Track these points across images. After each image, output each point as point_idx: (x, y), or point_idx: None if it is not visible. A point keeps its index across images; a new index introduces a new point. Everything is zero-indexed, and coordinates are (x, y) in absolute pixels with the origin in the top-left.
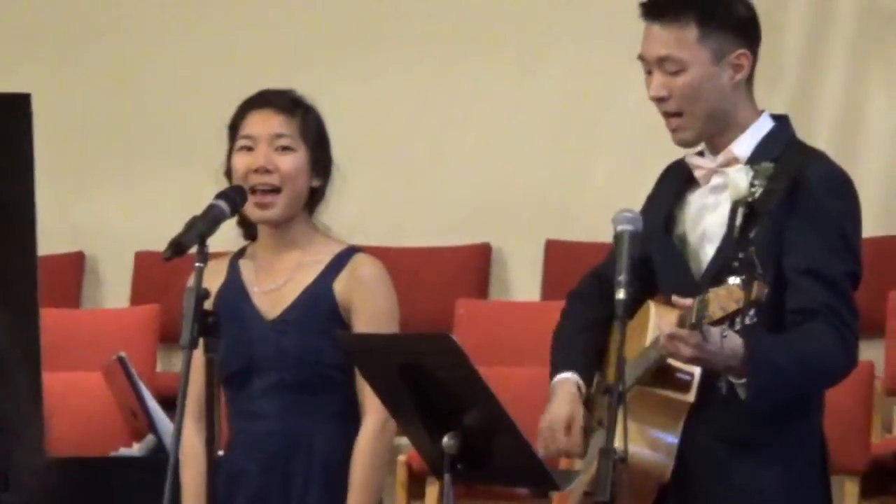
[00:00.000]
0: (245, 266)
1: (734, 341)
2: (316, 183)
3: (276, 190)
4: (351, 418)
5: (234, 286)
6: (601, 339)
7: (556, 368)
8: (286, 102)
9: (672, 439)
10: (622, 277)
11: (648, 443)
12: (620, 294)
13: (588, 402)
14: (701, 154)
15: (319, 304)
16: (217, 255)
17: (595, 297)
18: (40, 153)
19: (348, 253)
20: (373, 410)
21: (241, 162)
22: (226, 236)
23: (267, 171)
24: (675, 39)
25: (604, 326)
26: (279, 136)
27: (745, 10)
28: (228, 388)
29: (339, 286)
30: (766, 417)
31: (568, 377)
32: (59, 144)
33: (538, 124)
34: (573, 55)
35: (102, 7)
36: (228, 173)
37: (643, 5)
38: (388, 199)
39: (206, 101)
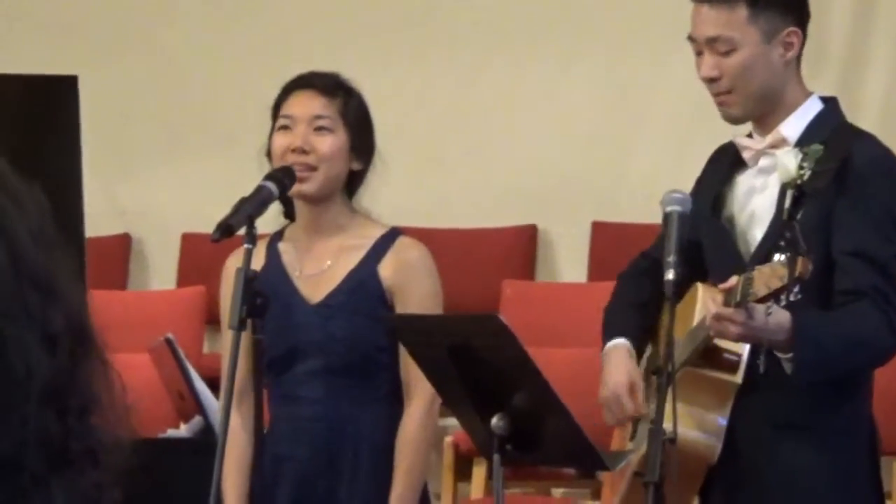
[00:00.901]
0: (285, 249)
1: (781, 316)
2: (356, 166)
3: (312, 168)
4: (397, 402)
5: (276, 270)
6: (651, 319)
7: (608, 336)
8: (328, 84)
9: (721, 421)
10: (671, 258)
11: (697, 424)
12: (670, 275)
13: None
14: (749, 136)
15: (365, 288)
16: (261, 239)
17: (646, 277)
18: (87, 137)
19: (392, 235)
20: (418, 394)
21: (279, 141)
22: (263, 218)
23: (304, 152)
24: (725, 19)
25: (653, 307)
26: (318, 117)
27: None
28: (271, 373)
29: (385, 270)
30: (814, 400)
31: (620, 342)
32: (106, 128)
33: (582, 107)
34: (616, 39)
35: None
36: (269, 153)
37: None
38: (434, 181)
39: (250, 84)
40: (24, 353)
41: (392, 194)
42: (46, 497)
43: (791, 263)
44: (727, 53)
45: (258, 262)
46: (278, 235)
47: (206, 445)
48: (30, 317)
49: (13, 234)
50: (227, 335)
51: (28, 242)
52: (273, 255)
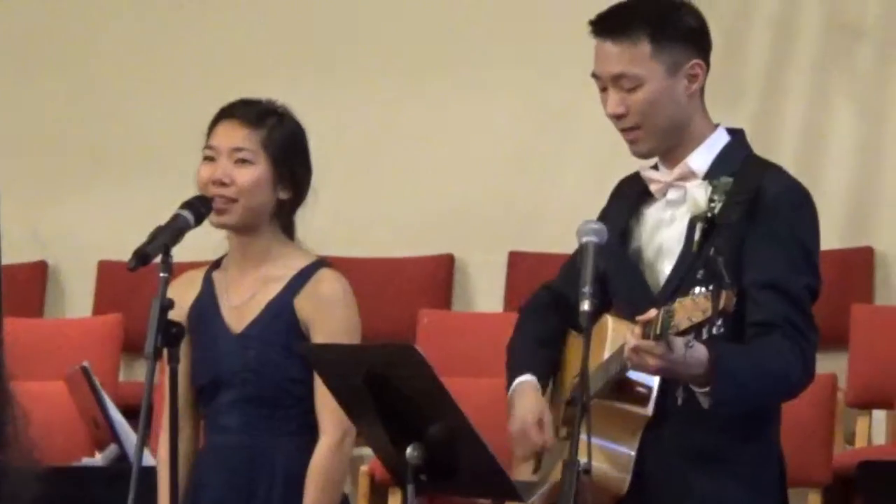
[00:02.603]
0: (218, 279)
1: (699, 351)
2: (284, 195)
3: (232, 201)
4: (312, 433)
5: (208, 299)
6: (555, 353)
7: (513, 373)
8: (252, 114)
9: (629, 452)
10: (587, 289)
11: (606, 456)
12: (585, 305)
13: None
14: (655, 168)
15: (281, 319)
16: (195, 266)
17: (548, 310)
18: (3, 161)
19: (311, 268)
20: (329, 428)
21: (203, 172)
22: (202, 245)
23: (223, 184)
24: (629, 56)
25: (557, 340)
26: (238, 149)
27: (695, 20)
28: (201, 401)
29: (300, 302)
30: (726, 432)
31: (527, 379)
32: (22, 155)
33: (500, 138)
34: (534, 72)
35: (65, 18)
36: None
37: (593, 23)
38: (354, 210)
39: (170, 111)
40: None
41: (316, 222)
42: None
43: (715, 297)
44: (632, 90)
45: (194, 292)
46: (216, 264)
47: (121, 473)
48: None
49: None
50: (147, 365)
51: None
52: (208, 283)
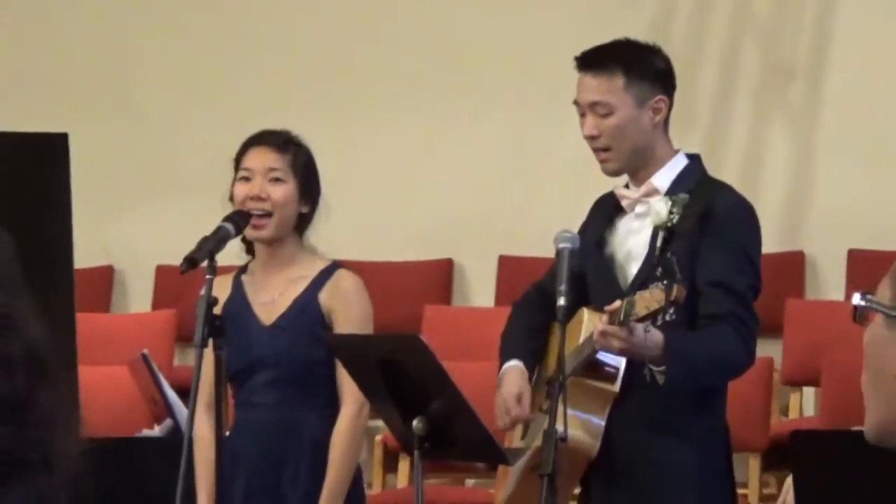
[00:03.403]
0: (246, 281)
1: (656, 335)
2: (304, 209)
3: (268, 214)
4: (334, 406)
5: (238, 299)
6: (540, 342)
7: (504, 359)
8: (280, 141)
9: (600, 423)
10: (563, 287)
11: (580, 425)
12: (561, 301)
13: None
14: (626, 186)
15: (307, 313)
16: (224, 271)
17: (535, 307)
18: (76, 184)
19: (331, 269)
20: (349, 400)
21: (240, 190)
22: (230, 251)
23: (261, 199)
24: (605, 87)
25: (542, 331)
26: (272, 169)
27: (663, 62)
28: (234, 383)
29: (324, 297)
30: (682, 406)
31: (514, 364)
32: (90, 178)
33: (490, 161)
34: (518, 105)
35: (121, 61)
36: (232, 199)
37: (578, 58)
38: (367, 221)
39: (211, 140)
40: None
41: (332, 232)
42: (4, 499)
43: (668, 289)
44: (605, 116)
45: (226, 293)
46: (243, 269)
47: (175, 444)
48: None
49: None
50: (195, 352)
51: None
52: (237, 285)
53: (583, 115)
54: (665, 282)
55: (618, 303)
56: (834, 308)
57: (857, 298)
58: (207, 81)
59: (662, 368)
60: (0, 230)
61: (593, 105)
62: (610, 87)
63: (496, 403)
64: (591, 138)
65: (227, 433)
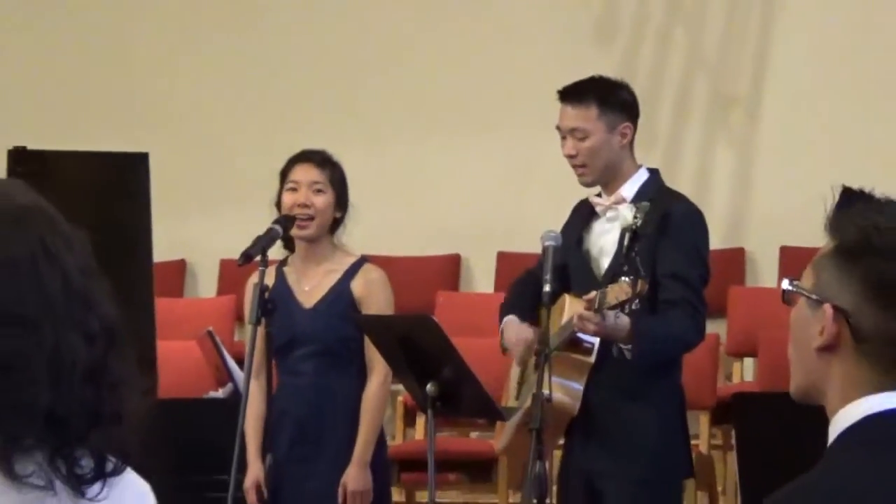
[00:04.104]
0: (288, 272)
1: (624, 320)
2: (338, 214)
3: (311, 218)
4: (362, 374)
5: (282, 286)
6: (529, 313)
7: (503, 314)
8: (320, 159)
9: (579, 388)
10: (548, 276)
11: (563, 390)
12: (546, 288)
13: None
14: (599, 195)
15: (341, 298)
16: (269, 263)
17: (528, 287)
18: (156, 191)
19: (360, 262)
20: (377, 369)
21: (288, 198)
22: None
23: (306, 206)
24: (581, 116)
25: (531, 301)
26: (315, 182)
27: (629, 95)
28: (279, 355)
29: (355, 286)
30: (643, 374)
31: (510, 317)
32: (169, 186)
33: (489, 174)
34: (513, 126)
35: (195, 92)
36: (279, 205)
37: (560, 92)
38: (390, 223)
39: (260, 159)
40: (71, 347)
41: (361, 232)
42: (87, 446)
43: (634, 284)
44: (582, 139)
45: (270, 280)
46: (283, 262)
47: (234, 403)
48: (75, 323)
49: (65, 268)
50: (249, 328)
51: (75, 273)
52: (280, 275)
53: (563, 137)
54: (632, 277)
55: (593, 293)
56: (768, 294)
57: (785, 284)
58: (259, 111)
59: (629, 347)
60: (77, 231)
61: (572, 130)
62: (586, 116)
63: (507, 344)
64: (570, 157)
65: (274, 394)
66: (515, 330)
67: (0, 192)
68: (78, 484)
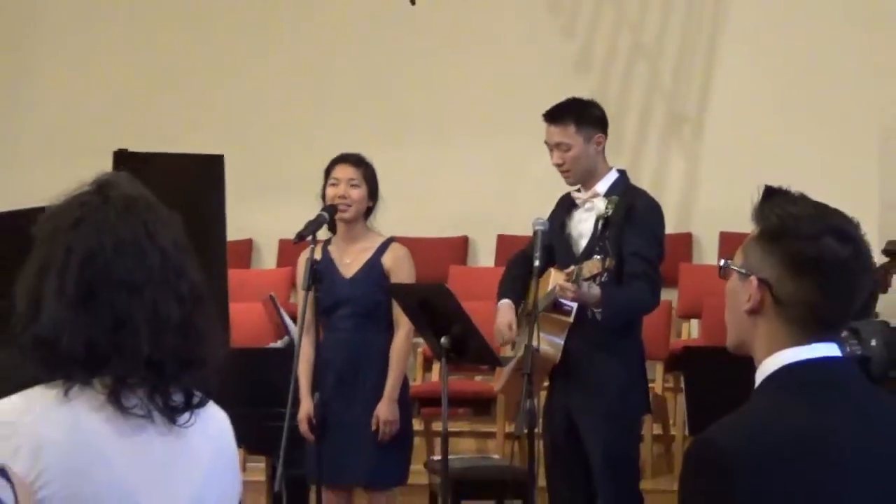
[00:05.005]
0: (331, 249)
1: (595, 290)
2: (370, 204)
3: (348, 206)
4: (390, 331)
5: (327, 260)
6: (523, 285)
7: (500, 297)
8: (356, 160)
9: (560, 341)
10: (537, 254)
11: (547, 343)
12: (536, 263)
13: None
14: (578, 190)
15: (374, 270)
16: (318, 242)
17: (519, 265)
18: (229, 184)
19: (388, 242)
20: (402, 327)
21: (330, 192)
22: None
23: (344, 198)
24: (563, 133)
25: (523, 280)
26: (352, 178)
27: (599, 111)
28: (324, 315)
29: (385, 260)
30: (612, 332)
31: (505, 301)
32: (239, 179)
33: (492, 170)
34: (510, 131)
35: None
36: (324, 197)
37: (545, 114)
38: (412, 211)
39: (312, 155)
40: (166, 307)
41: (389, 218)
42: (179, 384)
43: (603, 261)
44: (566, 151)
45: (318, 255)
46: (328, 241)
47: (290, 352)
48: (170, 288)
49: (163, 245)
50: (301, 293)
51: (171, 249)
52: (325, 251)
53: (551, 149)
54: (602, 256)
55: (572, 267)
56: (710, 270)
57: (722, 262)
58: (309, 118)
59: (600, 310)
60: (173, 214)
61: (557, 144)
62: (566, 133)
63: (495, 329)
64: (557, 165)
65: (320, 345)
66: (503, 315)
67: (111, 185)
68: (171, 414)
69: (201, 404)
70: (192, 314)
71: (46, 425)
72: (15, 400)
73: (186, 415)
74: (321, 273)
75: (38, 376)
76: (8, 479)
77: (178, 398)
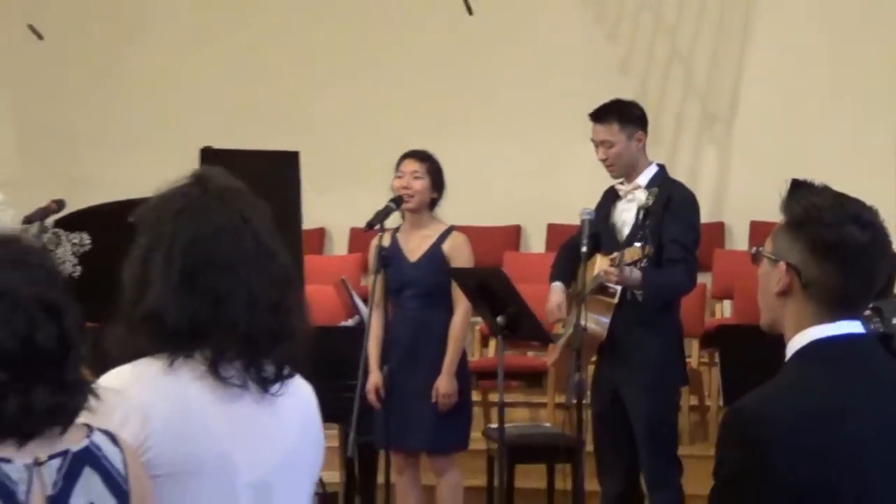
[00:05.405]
0: (399, 236)
1: (636, 273)
2: (434, 195)
3: (412, 197)
4: (450, 310)
5: (395, 246)
6: (572, 271)
7: (552, 280)
8: (420, 156)
9: (606, 320)
10: (584, 241)
11: (595, 322)
12: (583, 250)
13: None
14: (622, 183)
15: (436, 256)
16: (386, 230)
17: (569, 251)
18: (304, 177)
19: (449, 230)
20: (461, 306)
21: (397, 183)
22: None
23: (407, 189)
24: (607, 131)
25: (574, 266)
26: (415, 171)
27: (640, 111)
28: (392, 295)
29: (445, 247)
30: (652, 311)
31: (557, 284)
32: (313, 173)
33: (544, 164)
34: (559, 128)
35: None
36: (393, 189)
37: (591, 114)
38: (472, 202)
39: (380, 151)
40: (260, 287)
41: (449, 207)
42: (271, 357)
43: (643, 248)
44: (610, 147)
45: (387, 242)
46: (397, 229)
47: (360, 330)
48: (263, 270)
49: (256, 230)
50: (371, 276)
51: (263, 234)
52: (395, 238)
53: (596, 146)
54: (642, 243)
55: (616, 254)
56: (741, 255)
57: (753, 249)
58: (380, 116)
59: (641, 292)
60: (263, 203)
61: (602, 142)
62: (610, 131)
63: (547, 308)
64: (602, 160)
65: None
66: (556, 296)
67: (209, 178)
68: (264, 384)
69: (290, 376)
70: (284, 294)
71: (153, 392)
72: (125, 369)
73: (277, 385)
74: (389, 258)
75: (146, 350)
76: (117, 444)
77: (270, 370)
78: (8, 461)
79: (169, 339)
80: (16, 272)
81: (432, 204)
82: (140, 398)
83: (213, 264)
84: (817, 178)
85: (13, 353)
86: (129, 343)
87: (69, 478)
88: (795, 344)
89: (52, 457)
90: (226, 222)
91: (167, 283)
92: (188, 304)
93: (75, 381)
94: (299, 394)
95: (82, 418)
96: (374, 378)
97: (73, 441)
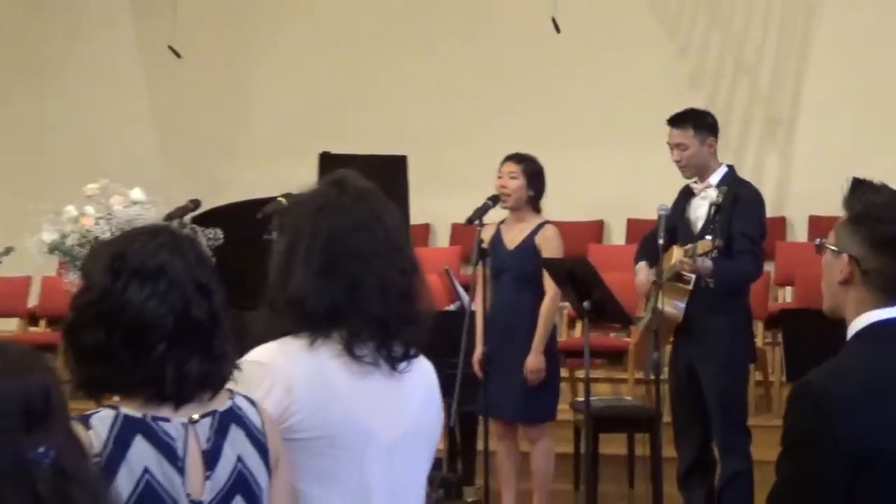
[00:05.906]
0: (503, 227)
1: (708, 263)
2: (531, 194)
3: (509, 196)
4: (541, 294)
5: (497, 238)
6: (652, 259)
7: (637, 260)
8: (518, 158)
9: (682, 305)
10: (661, 234)
11: (671, 306)
12: (661, 241)
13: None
14: (695, 182)
15: (529, 247)
16: (491, 224)
17: (650, 242)
18: (412, 180)
19: (542, 224)
20: (550, 291)
21: (497, 183)
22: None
23: (504, 188)
24: (682, 136)
25: (654, 252)
26: (511, 172)
27: (712, 119)
28: (493, 279)
29: (538, 239)
30: (724, 296)
31: (642, 262)
32: (420, 175)
33: (625, 168)
34: (640, 135)
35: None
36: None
37: (668, 120)
38: (563, 199)
39: (480, 154)
40: (391, 276)
41: (548, 204)
42: (399, 339)
43: (713, 241)
44: (684, 150)
45: (489, 233)
46: (502, 222)
47: (461, 314)
48: (393, 261)
49: (387, 226)
50: (472, 266)
51: (393, 229)
52: (498, 229)
53: (672, 149)
54: (712, 237)
55: (689, 246)
56: (801, 246)
57: (818, 241)
58: (480, 122)
59: (712, 280)
60: (392, 202)
61: (677, 145)
62: (685, 136)
63: (635, 282)
64: (677, 162)
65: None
66: (643, 273)
67: (346, 179)
68: (393, 362)
69: (416, 355)
70: (410, 283)
71: (296, 366)
72: (272, 346)
73: (405, 363)
74: (487, 249)
75: (289, 330)
76: (255, 406)
77: (398, 350)
78: (167, 420)
79: (310, 321)
80: (173, 256)
81: (531, 200)
82: (285, 370)
83: (349, 256)
84: (875, 176)
85: (171, 326)
86: (273, 324)
87: (220, 434)
88: (856, 326)
89: (203, 416)
90: (361, 219)
91: (309, 272)
92: (327, 290)
93: (224, 352)
94: (423, 371)
95: (230, 386)
96: (479, 352)
97: (219, 403)
